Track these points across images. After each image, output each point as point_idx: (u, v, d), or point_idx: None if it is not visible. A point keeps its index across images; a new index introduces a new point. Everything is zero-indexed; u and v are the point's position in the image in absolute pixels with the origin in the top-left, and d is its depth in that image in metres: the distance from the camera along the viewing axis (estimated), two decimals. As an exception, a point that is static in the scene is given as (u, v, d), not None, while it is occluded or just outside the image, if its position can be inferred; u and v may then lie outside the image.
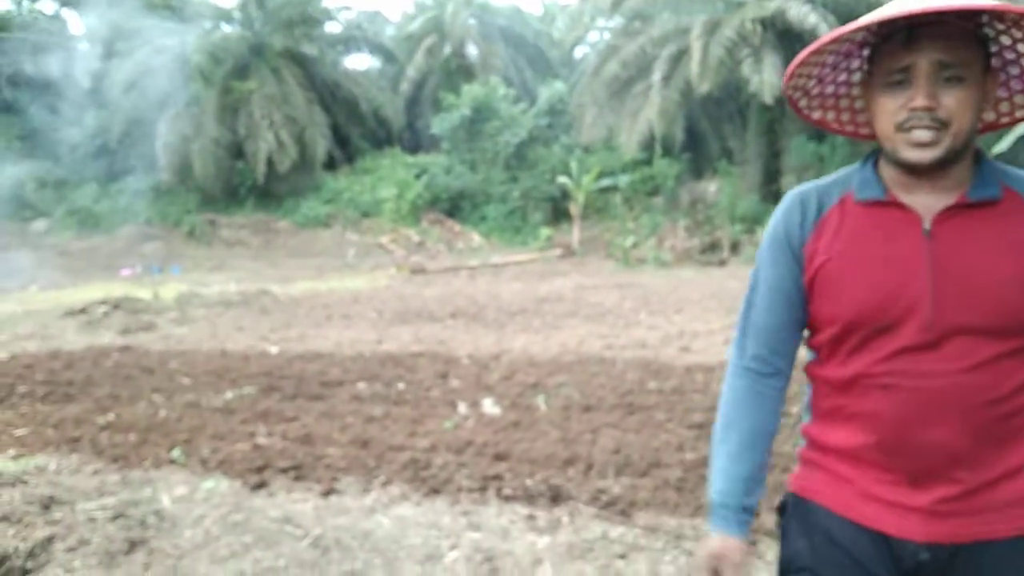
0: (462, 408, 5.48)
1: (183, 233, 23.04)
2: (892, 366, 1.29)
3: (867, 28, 1.28)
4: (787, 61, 18.32)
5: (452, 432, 4.86)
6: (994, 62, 1.33)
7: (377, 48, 28.49)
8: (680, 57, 19.19)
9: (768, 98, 17.71)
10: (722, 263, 17.79)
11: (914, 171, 1.29)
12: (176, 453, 4.57)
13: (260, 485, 4.00)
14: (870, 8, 17.32)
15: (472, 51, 26.56)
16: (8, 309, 12.66)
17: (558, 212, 22.69)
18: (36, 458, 4.66)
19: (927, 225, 1.29)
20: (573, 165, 21.53)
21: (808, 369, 1.45)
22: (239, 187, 24.82)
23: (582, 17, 25.93)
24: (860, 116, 1.49)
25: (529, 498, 3.69)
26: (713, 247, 18.73)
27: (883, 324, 1.29)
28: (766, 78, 17.67)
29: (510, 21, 28.40)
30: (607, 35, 24.68)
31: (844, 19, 18.39)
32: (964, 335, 1.26)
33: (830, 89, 1.46)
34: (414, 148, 27.11)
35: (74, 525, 3.45)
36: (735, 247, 18.46)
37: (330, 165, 25.74)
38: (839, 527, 1.37)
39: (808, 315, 1.42)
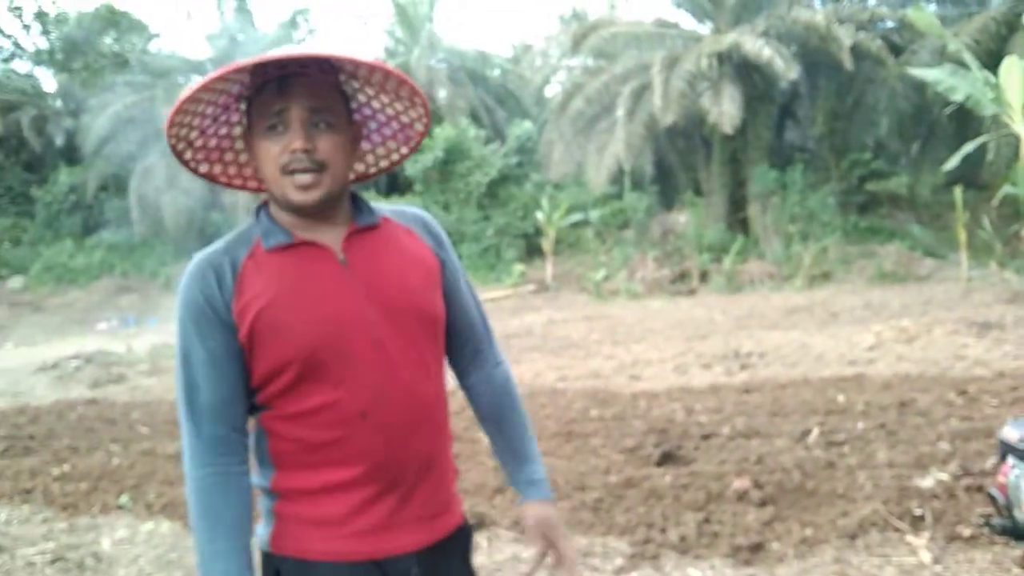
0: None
1: (159, 285, 23.13)
2: (362, 392, 1.35)
3: (241, 81, 1.37)
4: (745, 93, 18.77)
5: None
6: (356, 116, 1.48)
7: (349, 94, 28.90)
8: (642, 92, 19.59)
9: (728, 128, 18.09)
10: (691, 292, 18.05)
11: (303, 212, 1.39)
12: (124, 499, 4.71)
13: (199, 525, 4.14)
14: (822, 40, 17.83)
15: (441, 94, 27.02)
16: (-19, 367, 12.73)
17: (531, 248, 22.93)
18: (-12, 510, 4.78)
19: (340, 256, 1.40)
20: (544, 202, 21.83)
21: (264, 419, 1.40)
22: (213, 237, 24.89)
23: (548, 58, 26.45)
24: (246, 169, 1.53)
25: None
26: (682, 277, 18.99)
27: (337, 352, 1.34)
28: (725, 109, 18.05)
29: (476, 64, 28.91)
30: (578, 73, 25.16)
31: (800, 50, 18.91)
32: (404, 344, 1.40)
33: (213, 142, 1.48)
34: (388, 191, 27.42)
35: (12, 571, 3.59)
36: (704, 276, 18.74)
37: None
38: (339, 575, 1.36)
39: (252, 373, 1.38)
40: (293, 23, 28.23)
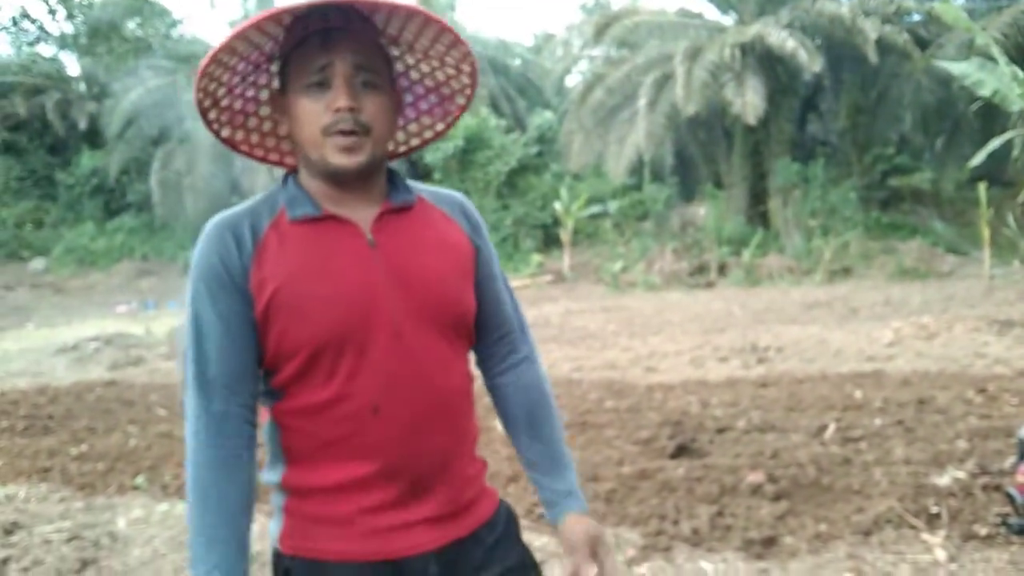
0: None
1: (179, 269, 23.31)
2: (375, 385, 1.27)
3: (276, 37, 1.28)
4: (769, 84, 18.61)
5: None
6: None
7: (370, 81, 28.92)
8: (664, 82, 19.47)
9: (752, 120, 17.95)
10: (709, 285, 17.98)
11: (340, 181, 1.29)
12: (140, 480, 4.76)
13: (214, 507, 4.18)
14: (847, 32, 17.63)
15: (462, 82, 27.00)
16: (3, 347, 12.89)
17: (549, 239, 22.91)
18: (7, 488, 4.84)
19: (369, 236, 1.29)
20: (563, 192, 21.78)
21: (276, 412, 1.32)
22: (233, 222, 25.17)
23: (570, 47, 26.30)
24: (269, 139, 1.43)
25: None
26: (701, 269, 18.91)
27: (354, 340, 1.26)
28: (748, 100, 17.91)
29: (497, 52, 28.81)
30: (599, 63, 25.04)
31: (824, 43, 18.72)
32: (427, 336, 1.30)
33: (238, 104, 1.37)
34: (410, 178, 27.45)
35: (30, 547, 3.64)
36: (722, 269, 18.66)
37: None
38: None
39: (264, 352, 1.28)
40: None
